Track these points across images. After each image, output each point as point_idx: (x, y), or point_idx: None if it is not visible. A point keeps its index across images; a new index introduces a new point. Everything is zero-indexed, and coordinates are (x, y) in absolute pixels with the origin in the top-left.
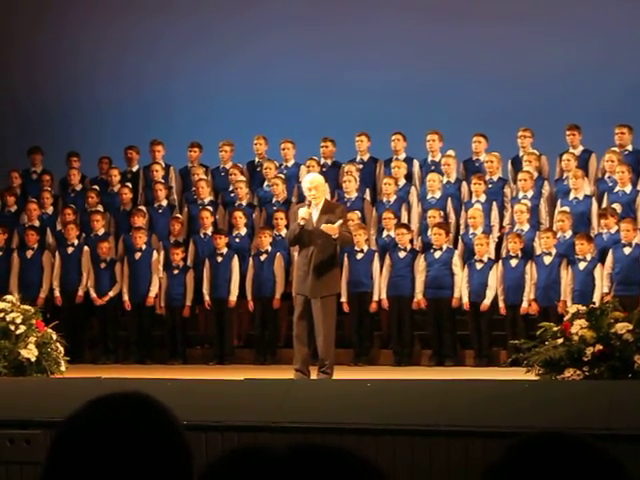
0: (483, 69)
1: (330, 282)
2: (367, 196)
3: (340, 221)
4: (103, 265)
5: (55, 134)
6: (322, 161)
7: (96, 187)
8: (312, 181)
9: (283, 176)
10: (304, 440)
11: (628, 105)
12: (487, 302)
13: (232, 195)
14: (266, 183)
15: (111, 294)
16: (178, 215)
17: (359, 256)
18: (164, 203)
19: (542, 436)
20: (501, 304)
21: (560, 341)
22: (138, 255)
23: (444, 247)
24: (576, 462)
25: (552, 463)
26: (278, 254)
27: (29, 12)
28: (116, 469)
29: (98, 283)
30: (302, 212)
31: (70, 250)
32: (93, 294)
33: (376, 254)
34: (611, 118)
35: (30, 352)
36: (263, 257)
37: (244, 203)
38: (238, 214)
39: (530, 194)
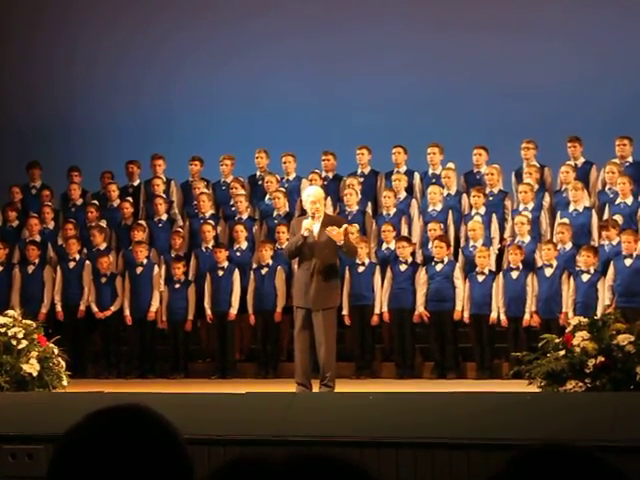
0: (485, 82)
1: (331, 295)
2: (368, 209)
3: (345, 225)
4: (104, 280)
5: (53, 149)
6: (323, 174)
7: (95, 202)
8: (315, 194)
9: (284, 190)
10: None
11: (629, 117)
12: (494, 315)
13: (233, 209)
14: (267, 197)
15: (113, 309)
16: (179, 229)
17: (360, 269)
18: (164, 217)
19: (545, 447)
20: (503, 316)
21: (562, 353)
22: (139, 270)
23: (445, 260)
24: (579, 474)
25: (555, 475)
26: (279, 268)
27: (24, 26)
28: None
29: (99, 298)
30: (306, 223)
31: (72, 265)
32: (94, 308)
33: (377, 267)
34: (613, 130)
35: (32, 367)
36: (264, 271)
37: (244, 217)
38: (239, 228)
39: (530, 206)
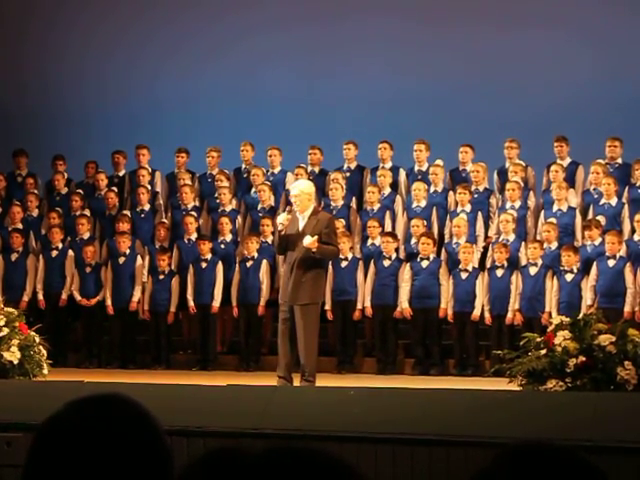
0: (473, 79)
1: (312, 290)
2: (353, 204)
3: (316, 237)
4: (88, 269)
5: (40, 137)
6: (309, 169)
7: (80, 191)
8: (296, 187)
9: (270, 183)
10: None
11: (618, 119)
12: (477, 312)
13: (218, 201)
14: (253, 190)
15: (99, 297)
16: (164, 220)
17: (343, 264)
18: (146, 207)
19: (530, 446)
20: (487, 314)
21: (543, 352)
22: (122, 260)
23: (431, 257)
24: (563, 473)
25: (539, 473)
26: (264, 261)
27: (15, 15)
28: (95, 470)
29: (83, 287)
30: (280, 219)
31: (54, 254)
32: (78, 296)
33: (360, 262)
34: (602, 131)
35: (13, 355)
36: (249, 263)
37: (228, 209)
38: (224, 220)
39: (517, 204)
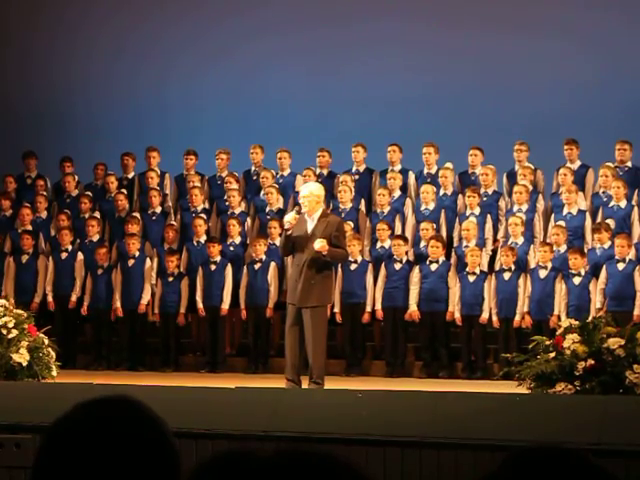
0: (483, 82)
1: (321, 292)
2: (362, 207)
3: (325, 241)
4: (100, 271)
5: (49, 139)
6: (318, 171)
7: (89, 193)
8: (306, 188)
9: (277, 185)
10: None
11: (628, 121)
12: (485, 315)
13: (227, 203)
14: (262, 192)
15: (113, 305)
16: (173, 222)
17: (353, 267)
18: (158, 210)
19: (539, 449)
20: (494, 317)
21: (552, 355)
22: (131, 262)
23: (440, 260)
24: (573, 476)
25: (550, 476)
26: (272, 263)
27: (23, 16)
28: (103, 472)
29: (95, 289)
30: (288, 217)
31: (64, 256)
32: (84, 304)
33: (370, 265)
34: (611, 134)
35: (22, 356)
36: (257, 266)
37: (237, 211)
38: (232, 222)
39: (525, 207)
